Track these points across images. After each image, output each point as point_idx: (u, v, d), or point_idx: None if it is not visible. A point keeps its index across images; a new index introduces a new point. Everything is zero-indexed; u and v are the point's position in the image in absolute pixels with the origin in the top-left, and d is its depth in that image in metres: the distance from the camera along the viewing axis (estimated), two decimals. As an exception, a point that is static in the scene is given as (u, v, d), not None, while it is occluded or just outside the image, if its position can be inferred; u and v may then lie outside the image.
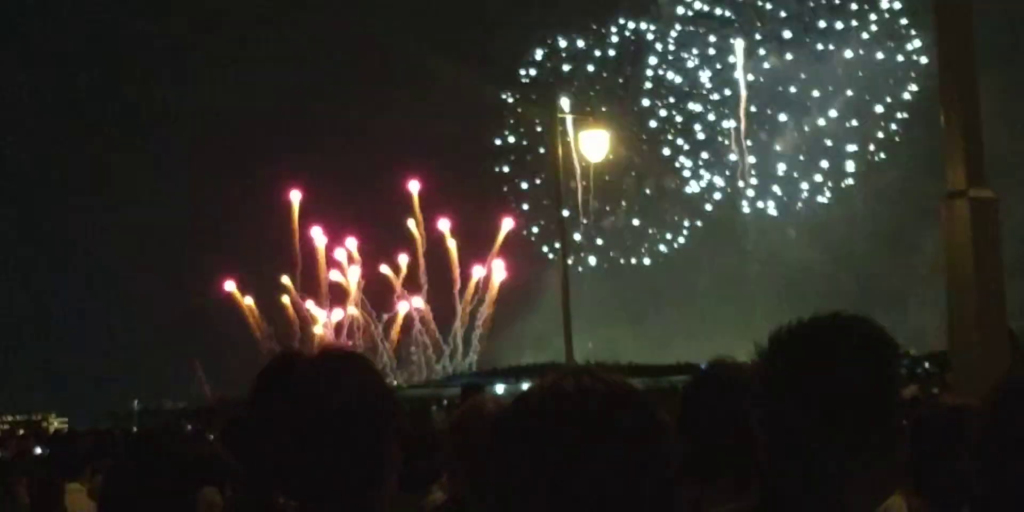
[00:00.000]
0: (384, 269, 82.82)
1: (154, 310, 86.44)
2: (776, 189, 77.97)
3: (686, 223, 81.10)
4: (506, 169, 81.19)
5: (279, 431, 2.82)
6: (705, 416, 3.96)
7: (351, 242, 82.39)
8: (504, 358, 79.96)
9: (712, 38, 77.51)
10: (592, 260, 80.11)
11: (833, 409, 2.57)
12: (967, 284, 8.04)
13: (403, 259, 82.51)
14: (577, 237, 76.18)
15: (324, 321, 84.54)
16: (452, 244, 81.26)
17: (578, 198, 76.66)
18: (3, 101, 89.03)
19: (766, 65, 76.78)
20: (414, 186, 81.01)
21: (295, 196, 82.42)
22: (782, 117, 76.87)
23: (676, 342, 75.22)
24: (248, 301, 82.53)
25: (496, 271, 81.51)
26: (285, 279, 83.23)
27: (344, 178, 79.66)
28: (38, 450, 17.07)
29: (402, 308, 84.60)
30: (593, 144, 26.94)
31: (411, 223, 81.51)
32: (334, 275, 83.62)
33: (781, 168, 77.57)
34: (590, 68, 79.83)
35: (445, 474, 6.88)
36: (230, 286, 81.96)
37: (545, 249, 74.47)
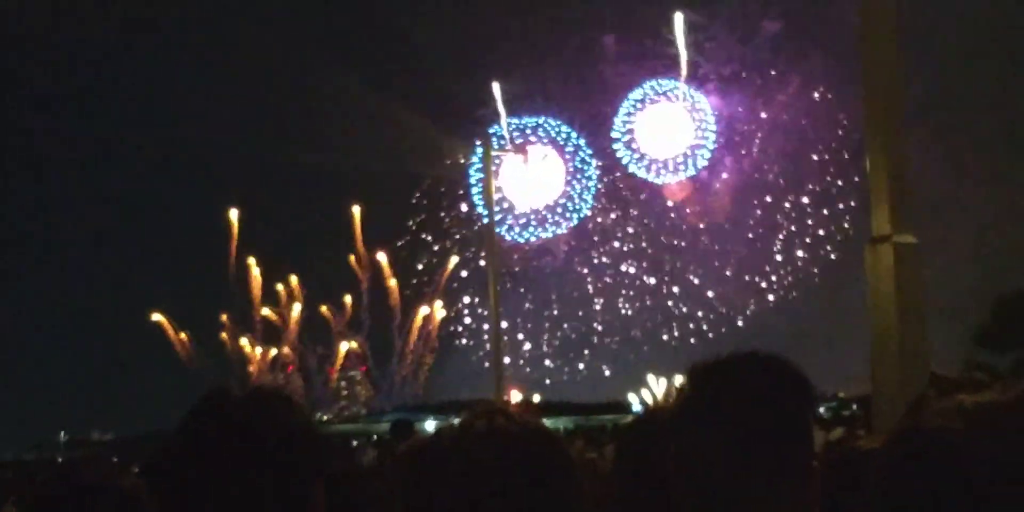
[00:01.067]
0: (324, 309, 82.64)
1: (83, 340, 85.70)
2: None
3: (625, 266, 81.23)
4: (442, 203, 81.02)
5: (204, 469, 2.83)
6: (636, 463, 4.00)
7: (292, 279, 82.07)
8: (442, 394, 79.89)
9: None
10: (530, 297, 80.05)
11: (745, 442, 2.57)
12: (889, 327, 8.13)
13: (346, 299, 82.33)
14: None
15: (257, 358, 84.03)
16: (392, 282, 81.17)
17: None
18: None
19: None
20: (356, 212, 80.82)
21: (232, 220, 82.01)
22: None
23: (607, 379, 75.56)
24: (180, 335, 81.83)
25: (437, 308, 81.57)
26: (223, 316, 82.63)
27: (281, 208, 79.65)
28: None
29: (342, 346, 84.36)
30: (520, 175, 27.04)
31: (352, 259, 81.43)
32: (270, 311, 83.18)
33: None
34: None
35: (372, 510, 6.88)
36: (157, 316, 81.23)
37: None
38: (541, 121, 74.74)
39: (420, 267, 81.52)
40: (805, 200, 76.91)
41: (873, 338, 8.35)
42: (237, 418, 2.86)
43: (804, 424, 2.67)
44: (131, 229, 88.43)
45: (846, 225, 71.34)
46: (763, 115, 77.14)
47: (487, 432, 2.31)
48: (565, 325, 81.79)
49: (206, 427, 2.88)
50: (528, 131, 74.83)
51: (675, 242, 78.97)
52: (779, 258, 77.61)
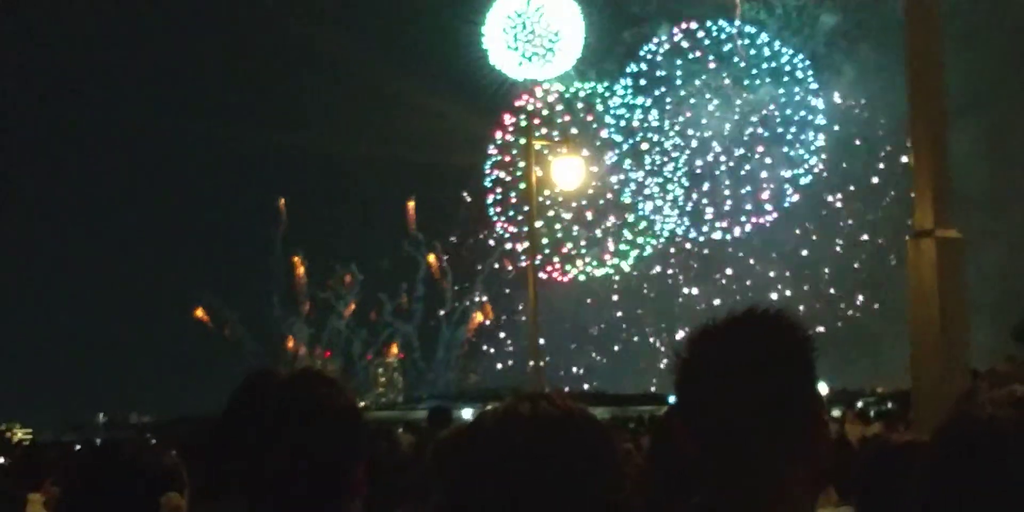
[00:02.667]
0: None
1: (127, 324, 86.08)
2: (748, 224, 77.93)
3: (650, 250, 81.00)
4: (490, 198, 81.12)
5: (247, 448, 2.85)
6: (671, 450, 4.00)
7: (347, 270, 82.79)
8: (479, 383, 79.87)
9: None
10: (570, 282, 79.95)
11: (751, 404, 2.55)
12: (930, 323, 8.09)
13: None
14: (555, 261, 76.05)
15: (305, 336, 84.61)
16: (443, 267, 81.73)
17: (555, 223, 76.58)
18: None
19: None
20: (410, 208, 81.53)
21: (281, 209, 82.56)
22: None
23: (647, 371, 75.37)
24: (224, 322, 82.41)
25: (481, 296, 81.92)
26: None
27: (332, 200, 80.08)
28: (0, 460, 16.92)
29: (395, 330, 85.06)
30: (567, 172, 26.93)
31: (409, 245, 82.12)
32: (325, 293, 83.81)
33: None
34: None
35: (411, 496, 6.92)
36: (201, 307, 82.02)
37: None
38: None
39: (471, 243, 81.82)
40: (847, 193, 76.42)
41: (913, 333, 8.31)
42: (281, 399, 2.88)
43: (808, 380, 2.64)
44: (182, 217, 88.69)
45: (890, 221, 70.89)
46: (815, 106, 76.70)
47: (531, 416, 2.31)
48: (606, 318, 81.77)
49: (250, 407, 2.90)
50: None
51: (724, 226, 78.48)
52: (819, 252, 77.17)
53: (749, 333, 2.64)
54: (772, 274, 77.46)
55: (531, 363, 27.08)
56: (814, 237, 77.23)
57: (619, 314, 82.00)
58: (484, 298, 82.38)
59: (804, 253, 77.26)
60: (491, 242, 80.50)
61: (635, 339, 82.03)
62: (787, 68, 76.37)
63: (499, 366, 79.92)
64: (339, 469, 2.88)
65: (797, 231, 77.17)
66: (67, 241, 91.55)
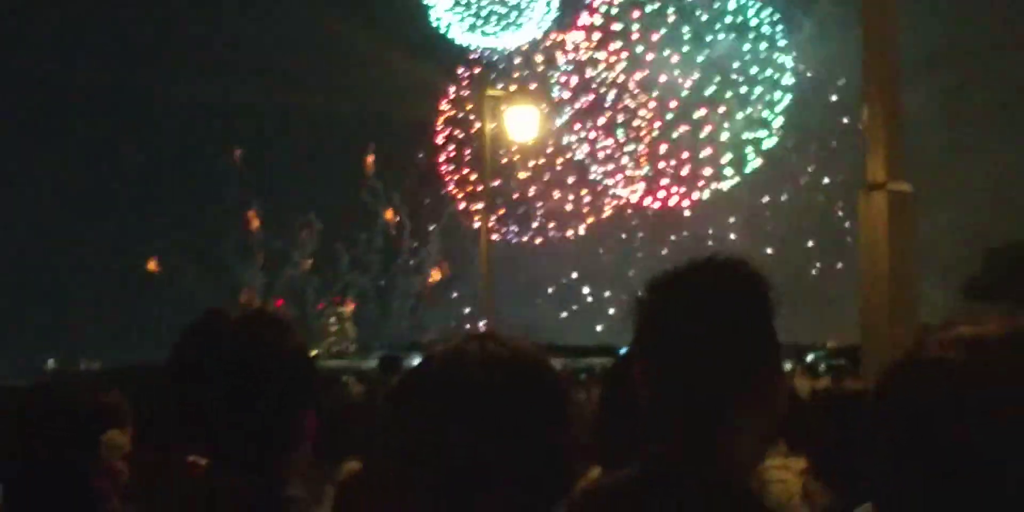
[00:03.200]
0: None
1: (82, 273, 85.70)
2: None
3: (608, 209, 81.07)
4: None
5: (196, 388, 2.84)
6: (622, 394, 4.02)
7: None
8: (432, 334, 79.84)
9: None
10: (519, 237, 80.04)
11: (708, 349, 2.55)
12: (880, 276, 8.12)
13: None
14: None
15: (259, 285, 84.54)
16: (401, 220, 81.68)
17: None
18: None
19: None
20: (368, 158, 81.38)
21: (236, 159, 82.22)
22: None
23: (602, 324, 75.69)
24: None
25: (434, 247, 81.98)
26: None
27: (289, 151, 79.83)
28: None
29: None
30: (521, 123, 26.83)
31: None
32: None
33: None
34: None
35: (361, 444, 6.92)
36: (153, 265, 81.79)
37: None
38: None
39: (427, 202, 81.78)
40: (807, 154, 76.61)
41: (863, 286, 8.34)
42: (231, 339, 2.87)
43: (766, 327, 2.64)
44: (141, 168, 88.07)
45: (840, 174, 71.10)
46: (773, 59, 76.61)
47: (479, 355, 2.31)
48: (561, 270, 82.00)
49: (199, 347, 2.89)
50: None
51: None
52: (770, 204, 77.44)
53: (710, 279, 2.64)
54: (733, 236, 77.62)
55: (483, 319, 27.15)
56: (765, 198, 77.45)
57: (574, 275, 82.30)
58: (437, 257, 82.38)
59: (767, 214, 77.54)
60: (447, 197, 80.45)
61: (588, 299, 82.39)
62: (752, 23, 76.21)
63: (453, 323, 79.92)
64: (288, 413, 2.88)
65: (764, 198, 77.37)
66: (21, 189, 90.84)
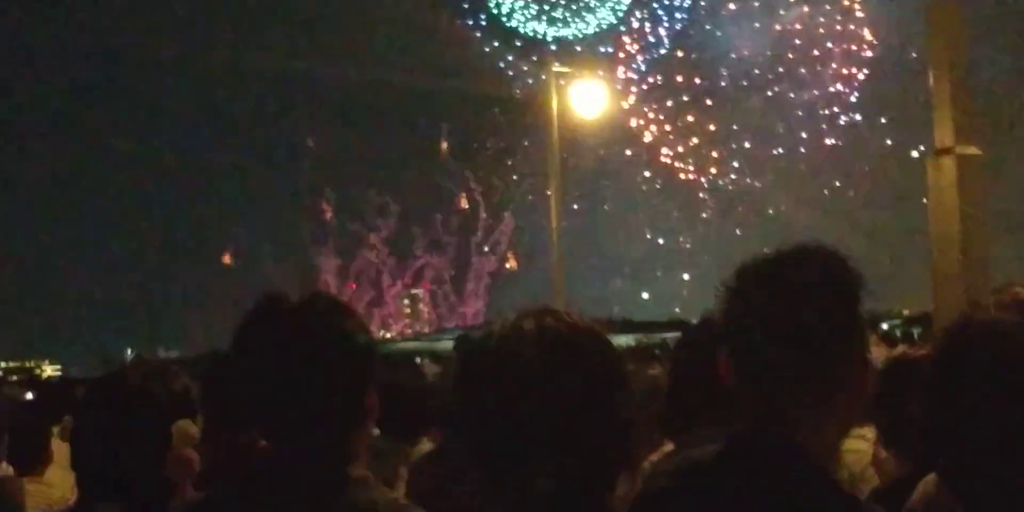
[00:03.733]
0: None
1: (159, 263, 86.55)
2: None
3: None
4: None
5: (258, 372, 2.87)
6: (692, 365, 4.02)
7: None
8: (507, 313, 79.60)
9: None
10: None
11: (795, 338, 2.58)
12: (952, 242, 8.05)
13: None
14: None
15: (332, 267, 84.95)
16: (475, 198, 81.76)
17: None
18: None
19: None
20: (443, 137, 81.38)
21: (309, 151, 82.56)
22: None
23: (677, 301, 75.50)
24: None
25: (509, 226, 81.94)
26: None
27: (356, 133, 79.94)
28: (29, 396, 17.01)
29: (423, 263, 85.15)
30: (587, 99, 26.79)
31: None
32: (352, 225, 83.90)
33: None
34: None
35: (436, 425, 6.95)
36: (228, 259, 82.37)
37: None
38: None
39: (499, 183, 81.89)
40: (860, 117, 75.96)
41: (935, 252, 8.27)
42: (290, 322, 2.89)
43: (854, 317, 2.66)
44: (210, 155, 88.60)
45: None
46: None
47: (536, 331, 2.32)
48: (634, 243, 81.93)
49: (259, 330, 2.92)
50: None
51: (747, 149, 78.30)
52: (843, 174, 76.85)
53: (799, 268, 2.68)
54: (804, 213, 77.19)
55: (555, 298, 27.20)
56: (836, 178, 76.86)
57: (648, 247, 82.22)
58: (511, 239, 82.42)
59: (836, 184, 76.97)
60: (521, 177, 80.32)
61: (658, 274, 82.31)
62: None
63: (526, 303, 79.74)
64: (350, 394, 2.89)
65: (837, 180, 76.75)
66: (96, 180, 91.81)
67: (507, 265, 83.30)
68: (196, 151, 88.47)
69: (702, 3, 76.97)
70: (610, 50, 77.68)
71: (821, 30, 75.73)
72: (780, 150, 76.75)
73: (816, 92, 76.03)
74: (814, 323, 2.59)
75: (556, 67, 28.18)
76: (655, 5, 78.06)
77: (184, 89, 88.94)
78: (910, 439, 4.12)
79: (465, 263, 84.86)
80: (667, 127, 78.10)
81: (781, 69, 76.36)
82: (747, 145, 77.42)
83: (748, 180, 78.93)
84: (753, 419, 2.67)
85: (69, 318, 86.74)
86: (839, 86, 75.45)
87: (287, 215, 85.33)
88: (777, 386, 2.62)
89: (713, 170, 78.81)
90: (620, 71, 75.52)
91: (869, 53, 75.21)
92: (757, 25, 76.38)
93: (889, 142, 74.50)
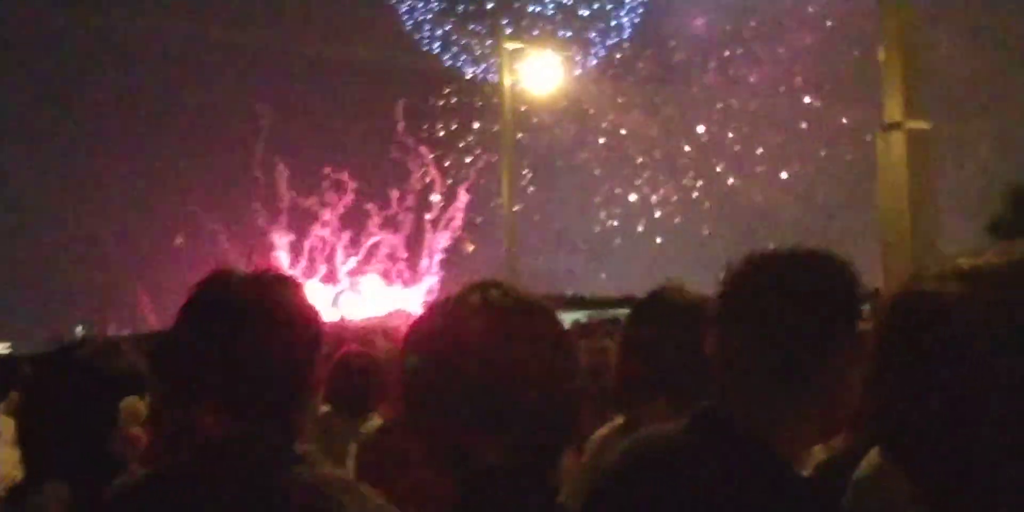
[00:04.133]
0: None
1: (109, 237, 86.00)
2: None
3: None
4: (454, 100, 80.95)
5: (205, 347, 2.85)
6: (644, 336, 4.02)
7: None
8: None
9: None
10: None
11: (785, 342, 2.61)
12: (900, 215, 8.09)
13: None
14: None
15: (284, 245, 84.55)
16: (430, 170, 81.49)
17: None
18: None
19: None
20: (398, 111, 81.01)
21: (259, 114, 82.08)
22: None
23: (634, 281, 75.72)
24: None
25: (461, 200, 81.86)
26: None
27: (311, 107, 79.60)
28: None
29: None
30: (542, 72, 26.74)
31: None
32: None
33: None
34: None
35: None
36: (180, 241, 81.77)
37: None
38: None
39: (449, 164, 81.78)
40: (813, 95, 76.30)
41: (883, 225, 8.30)
42: (235, 296, 2.88)
43: (849, 322, 2.69)
44: (165, 126, 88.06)
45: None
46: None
47: (481, 304, 2.32)
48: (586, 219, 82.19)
49: (204, 303, 2.90)
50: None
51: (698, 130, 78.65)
52: (799, 151, 77.20)
53: (799, 267, 2.72)
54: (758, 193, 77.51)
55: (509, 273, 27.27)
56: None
57: (602, 214, 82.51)
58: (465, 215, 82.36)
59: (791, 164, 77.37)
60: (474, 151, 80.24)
61: (617, 241, 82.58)
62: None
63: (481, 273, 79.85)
64: (296, 369, 2.88)
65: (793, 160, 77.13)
66: (47, 158, 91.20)
67: (463, 244, 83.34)
68: (147, 128, 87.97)
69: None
70: (568, 34, 77.71)
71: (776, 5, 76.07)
72: (733, 133, 77.08)
73: (770, 70, 76.33)
74: (810, 315, 2.63)
75: (507, 43, 28.10)
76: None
77: (138, 63, 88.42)
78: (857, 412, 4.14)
79: (419, 241, 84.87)
80: (621, 104, 78.23)
81: (740, 50, 76.68)
82: (700, 129, 77.71)
83: (703, 161, 79.22)
84: (721, 401, 2.69)
85: (18, 296, 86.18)
86: (794, 65, 75.74)
87: (239, 192, 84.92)
88: (751, 376, 2.66)
89: (669, 153, 79.09)
90: (575, 50, 75.56)
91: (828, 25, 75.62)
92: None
93: (845, 121, 74.90)
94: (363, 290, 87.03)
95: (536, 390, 2.26)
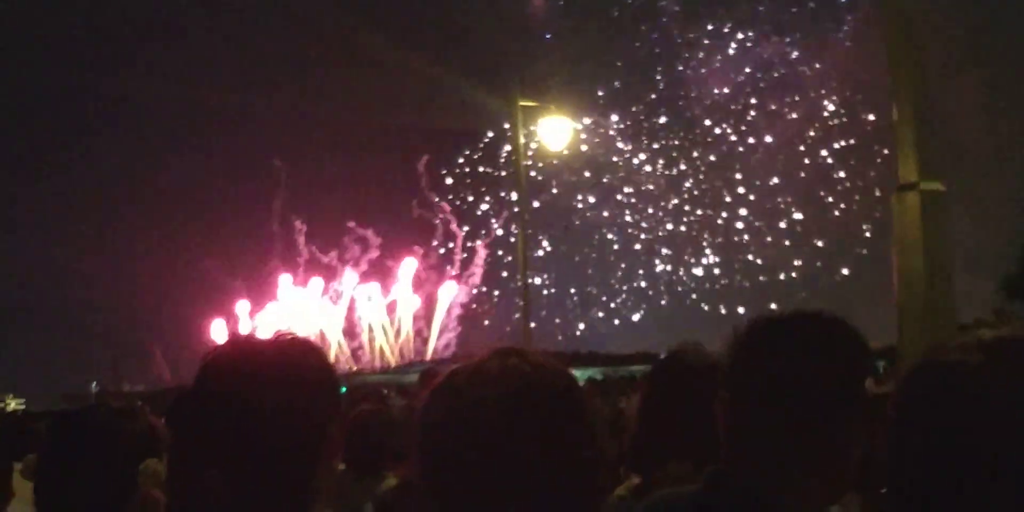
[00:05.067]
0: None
1: (126, 297, 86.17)
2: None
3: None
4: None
5: (220, 408, 2.85)
6: (661, 398, 4.02)
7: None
8: (474, 348, 79.03)
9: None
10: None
11: (795, 404, 2.61)
12: (916, 277, 8.08)
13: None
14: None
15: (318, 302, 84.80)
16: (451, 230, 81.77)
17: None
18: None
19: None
20: (422, 168, 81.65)
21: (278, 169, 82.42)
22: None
23: (655, 334, 75.61)
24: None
25: (480, 256, 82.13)
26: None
27: (334, 166, 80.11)
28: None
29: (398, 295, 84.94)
30: (554, 133, 26.85)
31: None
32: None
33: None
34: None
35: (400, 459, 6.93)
36: (218, 328, 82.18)
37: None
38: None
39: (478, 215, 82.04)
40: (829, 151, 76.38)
41: (899, 287, 8.29)
42: (254, 358, 2.88)
43: (858, 388, 2.70)
44: (190, 187, 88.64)
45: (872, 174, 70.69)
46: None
47: (500, 371, 2.32)
48: (604, 279, 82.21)
49: (223, 366, 2.91)
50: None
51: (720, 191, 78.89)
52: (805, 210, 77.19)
53: (806, 330, 2.73)
54: (769, 239, 77.56)
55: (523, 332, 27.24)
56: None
57: (619, 275, 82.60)
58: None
59: (798, 216, 77.40)
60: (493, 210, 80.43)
61: (620, 299, 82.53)
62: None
63: (495, 338, 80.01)
64: (313, 431, 2.88)
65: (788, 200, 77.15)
66: (62, 216, 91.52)
67: (476, 294, 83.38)
68: (169, 185, 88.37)
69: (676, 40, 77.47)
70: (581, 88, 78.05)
71: (797, 65, 76.37)
72: (743, 188, 77.16)
73: (786, 127, 76.58)
74: (819, 381, 2.63)
75: (522, 102, 28.19)
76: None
77: (156, 123, 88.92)
78: (874, 477, 4.14)
79: (432, 295, 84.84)
80: (636, 161, 78.49)
81: (754, 101, 76.93)
82: (717, 183, 77.89)
83: (713, 213, 79.32)
84: (732, 465, 2.70)
85: (33, 351, 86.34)
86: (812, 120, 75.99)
87: (255, 247, 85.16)
88: (762, 438, 2.67)
89: (686, 206, 79.24)
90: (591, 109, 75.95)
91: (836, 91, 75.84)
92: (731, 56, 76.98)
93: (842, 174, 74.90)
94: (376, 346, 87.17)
95: (555, 458, 2.26)
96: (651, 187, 79.88)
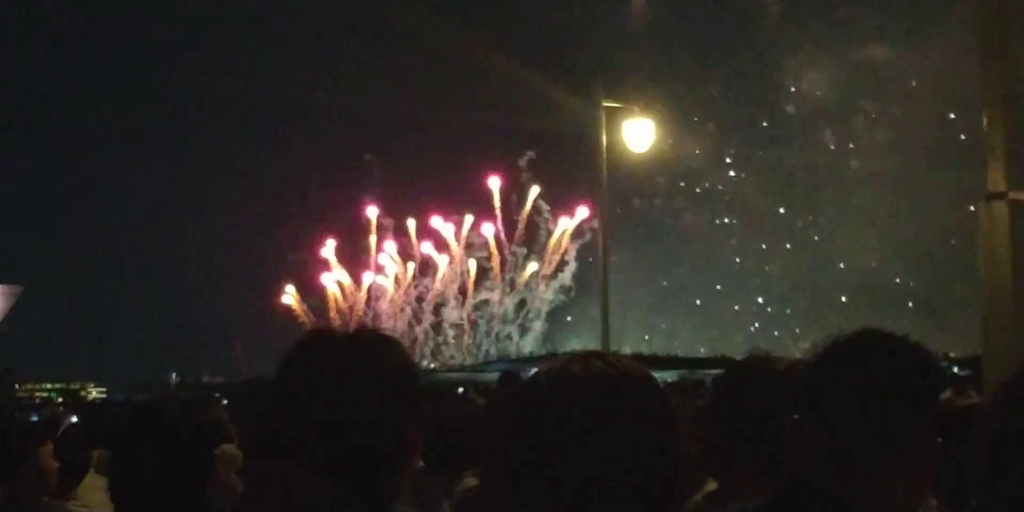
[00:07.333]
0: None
1: (207, 289, 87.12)
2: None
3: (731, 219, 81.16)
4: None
5: (301, 406, 2.86)
6: (731, 406, 4.00)
7: (435, 221, 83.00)
8: (562, 345, 79.62)
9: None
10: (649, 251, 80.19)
11: (867, 422, 2.62)
12: (1003, 287, 7.99)
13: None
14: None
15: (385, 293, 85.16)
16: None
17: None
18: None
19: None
20: (494, 182, 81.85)
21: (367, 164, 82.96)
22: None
23: (733, 337, 75.13)
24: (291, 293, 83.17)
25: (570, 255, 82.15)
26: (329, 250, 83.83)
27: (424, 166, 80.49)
28: (74, 419, 17.03)
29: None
30: (637, 134, 26.81)
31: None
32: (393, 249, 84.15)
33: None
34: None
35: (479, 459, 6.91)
36: (287, 298, 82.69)
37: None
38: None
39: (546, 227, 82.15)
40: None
41: (985, 298, 8.20)
42: (335, 355, 2.88)
43: (935, 396, 2.71)
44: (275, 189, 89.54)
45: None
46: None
47: (583, 375, 2.32)
48: (684, 279, 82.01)
49: (304, 362, 2.91)
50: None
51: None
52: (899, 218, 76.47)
53: (885, 351, 2.73)
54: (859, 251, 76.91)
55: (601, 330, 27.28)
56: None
57: (697, 280, 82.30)
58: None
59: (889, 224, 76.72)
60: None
61: (697, 302, 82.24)
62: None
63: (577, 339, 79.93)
64: (393, 428, 2.88)
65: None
66: (150, 211, 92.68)
67: (563, 297, 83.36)
68: (258, 181, 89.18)
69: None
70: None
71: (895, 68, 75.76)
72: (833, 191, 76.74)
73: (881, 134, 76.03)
74: (894, 398, 2.64)
75: (605, 102, 28.15)
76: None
77: (246, 109, 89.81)
78: (959, 488, 4.10)
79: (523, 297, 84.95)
80: (725, 166, 78.37)
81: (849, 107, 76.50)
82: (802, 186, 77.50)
83: (801, 217, 78.92)
84: (812, 472, 2.69)
85: (115, 342, 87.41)
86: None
87: (345, 243, 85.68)
88: (848, 449, 2.66)
89: (775, 208, 78.90)
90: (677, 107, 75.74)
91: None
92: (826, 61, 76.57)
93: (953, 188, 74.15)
94: (452, 343, 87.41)
95: (637, 461, 2.26)
96: (740, 191, 79.37)
